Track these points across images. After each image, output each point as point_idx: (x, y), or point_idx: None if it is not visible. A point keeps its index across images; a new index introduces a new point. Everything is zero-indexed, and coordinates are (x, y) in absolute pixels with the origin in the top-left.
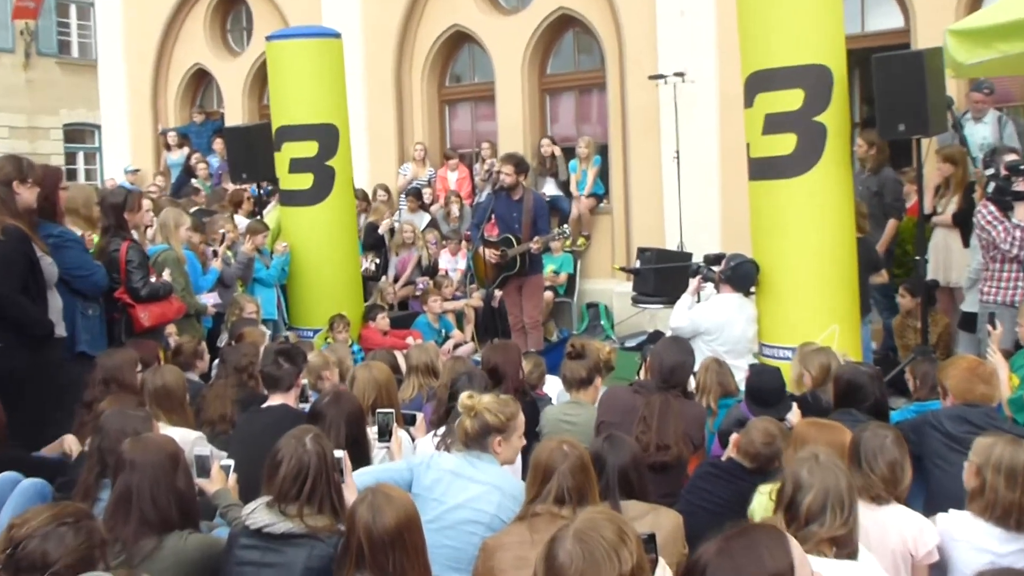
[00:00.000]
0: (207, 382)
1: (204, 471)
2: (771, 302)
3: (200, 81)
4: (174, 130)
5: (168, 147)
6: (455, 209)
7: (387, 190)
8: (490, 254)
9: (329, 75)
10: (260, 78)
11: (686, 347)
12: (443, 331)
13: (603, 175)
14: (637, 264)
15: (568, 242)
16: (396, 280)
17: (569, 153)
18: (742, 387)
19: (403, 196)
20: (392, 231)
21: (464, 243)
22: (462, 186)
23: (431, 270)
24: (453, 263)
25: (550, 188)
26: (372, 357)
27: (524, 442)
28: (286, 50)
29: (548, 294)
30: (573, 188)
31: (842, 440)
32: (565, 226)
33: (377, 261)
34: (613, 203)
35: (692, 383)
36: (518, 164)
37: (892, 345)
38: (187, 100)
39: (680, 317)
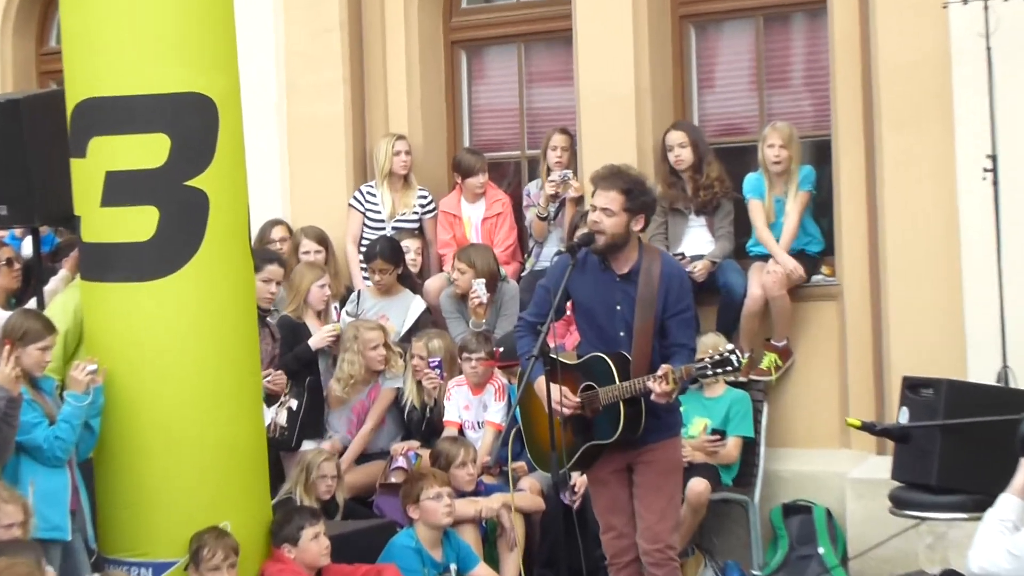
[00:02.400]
0: None
1: None
2: None
3: None
4: None
5: None
6: (480, 288)
7: (324, 242)
8: (562, 396)
9: None
10: None
11: None
12: (452, 567)
13: (820, 209)
14: (902, 417)
15: (740, 367)
16: (342, 449)
17: (739, 160)
18: None
19: (363, 257)
20: (336, 336)
21: (500, 372)
22: (496, 232)
23: (425, 426)
24: (476, 410)
25: (696, 240)
26: None
27: None
28: None
29: (697, 484)
30: (759, 235)
31: None
32: (730, 347)
33: (293, 406)
34: (844, 272)
35: None
36: (629, 190)
37: None
38: None
39: (995, 549)
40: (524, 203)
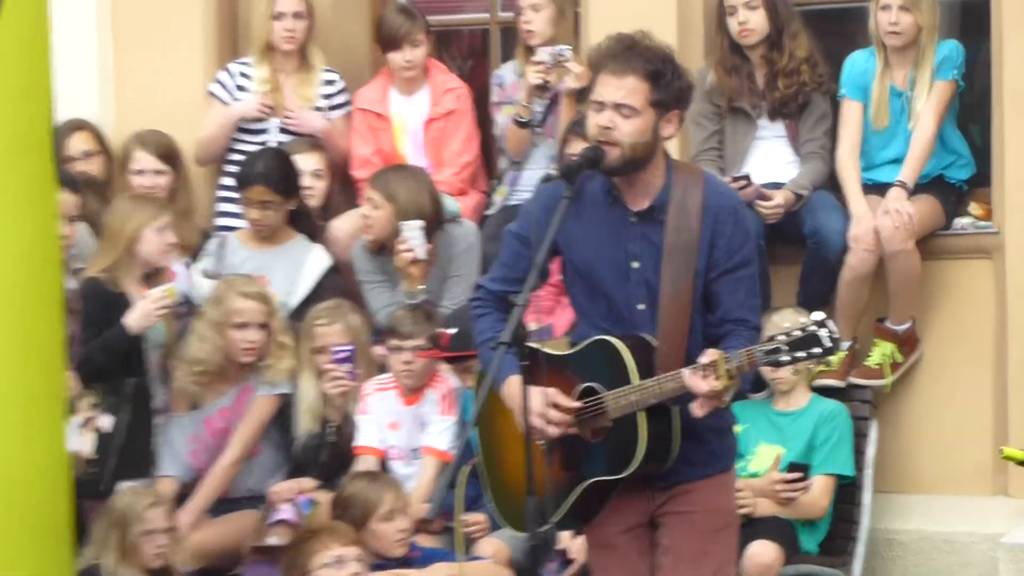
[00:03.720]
0: None
1: None
2: None
3: None
4: None
5: None
6: (413, 233)
7: (172, 159)
8: (547, 406)
9: None
10: None
11: None
12: None
13: (969, 113)
14: None
15: (836, 350)
16: (185, 493)
17: (842, 32)
18: None
19: (235, 181)
20: (168, 308)
21: (449, 368)
22: (446, 144)
23: (326, 456)
24: (409, 429)
25: (770, 158)
26: None
27: None
28: None
29: (761, 551)
30: (839, 156)
31: None
32: (819, 317)
33: (104, 426)
34: (1005, 214)
35: None
36: (656, 72)
37: None
38: None
39: None
40: (493, 98)
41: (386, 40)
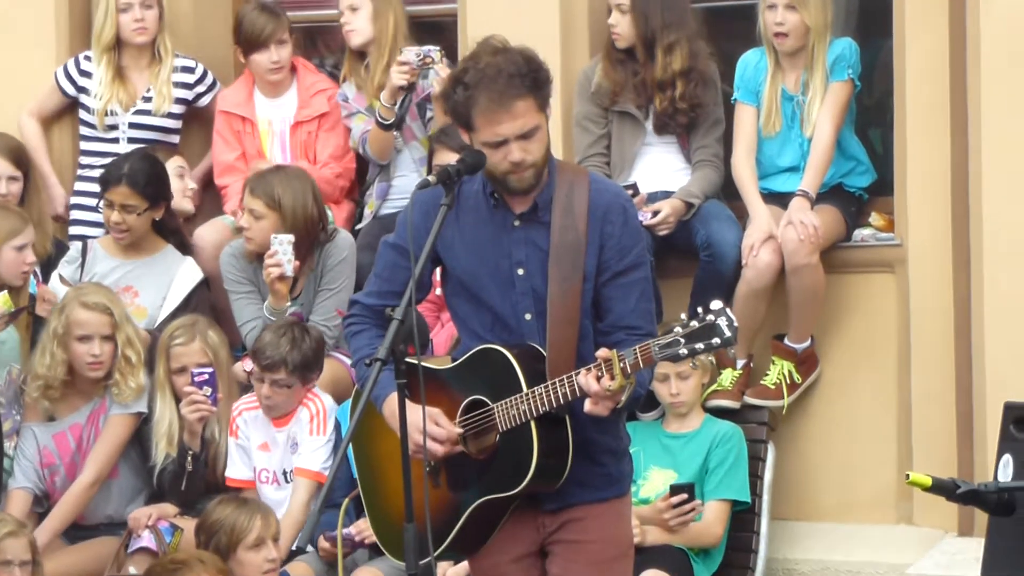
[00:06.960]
0: None
1: None
2: None
3: None
4: None
5: None
6: (283, 247)
7: (22, 163)
8: (427, 423)
9: None
10: None
11: None
12: None
13: (869, 116)
14: (1004, 471)
15: (735, 339)
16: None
17: (739, 30)
18: None
19: (99, 183)
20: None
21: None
22: (316, 149)
23: (188, 481)
24: (281, 451)
25: (659, 166)
26: None
27: None
28: None
29: None
30: (734, 164)
31: None
32: (717, 306)
33: None
34: (909, 224)
35: None
36: (538, 82)
37: None
38: None
39: None
40: (343, 112)
41: (248, 41)
